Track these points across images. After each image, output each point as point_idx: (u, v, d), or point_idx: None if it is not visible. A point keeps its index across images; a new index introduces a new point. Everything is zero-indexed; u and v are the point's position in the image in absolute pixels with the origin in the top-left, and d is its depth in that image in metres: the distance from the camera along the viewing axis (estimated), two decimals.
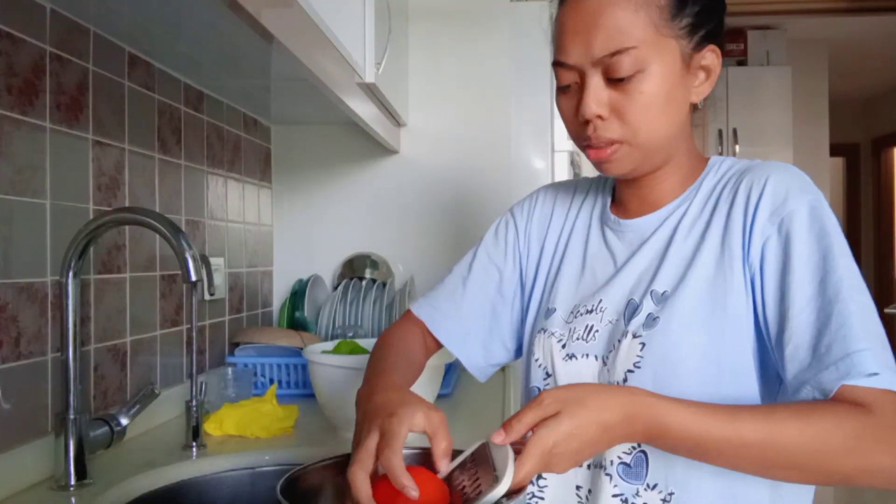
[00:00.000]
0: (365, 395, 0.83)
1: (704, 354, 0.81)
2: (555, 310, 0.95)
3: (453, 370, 1.75)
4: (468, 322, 1.04)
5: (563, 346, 0.91)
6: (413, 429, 0.72)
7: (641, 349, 0.83)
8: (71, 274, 1.05)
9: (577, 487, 0.89)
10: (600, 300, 0.90)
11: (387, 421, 0.72)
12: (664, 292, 0.85)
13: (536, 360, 0.94)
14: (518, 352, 1.06)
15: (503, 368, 1.99)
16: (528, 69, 2.07)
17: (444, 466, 0.72)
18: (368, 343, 1.47)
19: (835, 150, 5.63)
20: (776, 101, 4.45)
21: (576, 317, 0.92)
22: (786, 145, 4.47)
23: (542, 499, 0.91)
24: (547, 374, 0.93)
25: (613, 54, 0.80)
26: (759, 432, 0.71)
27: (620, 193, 0.97)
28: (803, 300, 0.77)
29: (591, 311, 0.90)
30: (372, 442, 0.72)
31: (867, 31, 4.80)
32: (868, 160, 6.79)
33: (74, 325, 1.05)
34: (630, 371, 0.83)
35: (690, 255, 0.86)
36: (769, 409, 0.75)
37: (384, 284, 1.94)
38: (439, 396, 1.42)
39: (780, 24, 4.54)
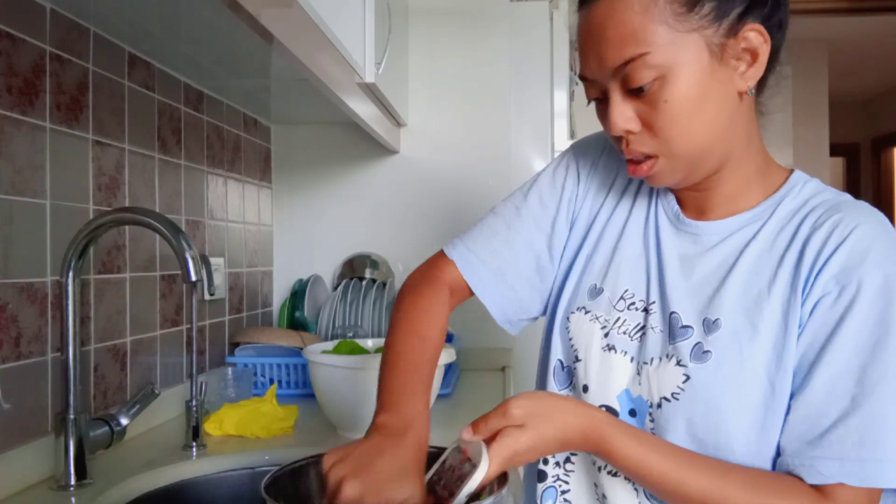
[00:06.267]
0: (382, 425, 0.78)
1: (753, 410, 0.75)
2: (602, 290, 0.88)
3: (453, 370, 1.75)
4: (507, 273, 0.94)
5: (606, 335, 0.85)
6: None
7: (684, 381, 0.78)
8: (71, 274, 1.05)
9: (603, 496, 0.86)
10: (653, 301, 0.84)
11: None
12: (717, 320, 0.78)
13: (571, 340, 0.88)
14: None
15: (503, 368, 1.99)
16: (528, 69, 2.07)
17: None
18: (368, 343, 1.47)
19: (835, 150, 5.63)
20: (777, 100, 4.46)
21: (627, 308, 0.85)
22: (786, 145, 4.47)
23: (566, 482, 0.90)
24: (577, 357, 0.87)
25: (626, 64, 0.74)
26: (702, 488, 0.73)
27: (677, 191, 0.88)
28: (835, 374, 0.72)
29: (646, 311, 0.84)
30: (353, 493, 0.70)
31: (867, 31, 4.81)
32: (868, 160, 6.80)
33: (74, 325, 1.05)
34: (666, 399, 0.79)
35: (756, 293, 0.78)
36: (726, 469, 0.74)
37: (384, 284, 1.94)
38: (439, 396, 1.42)
39: None
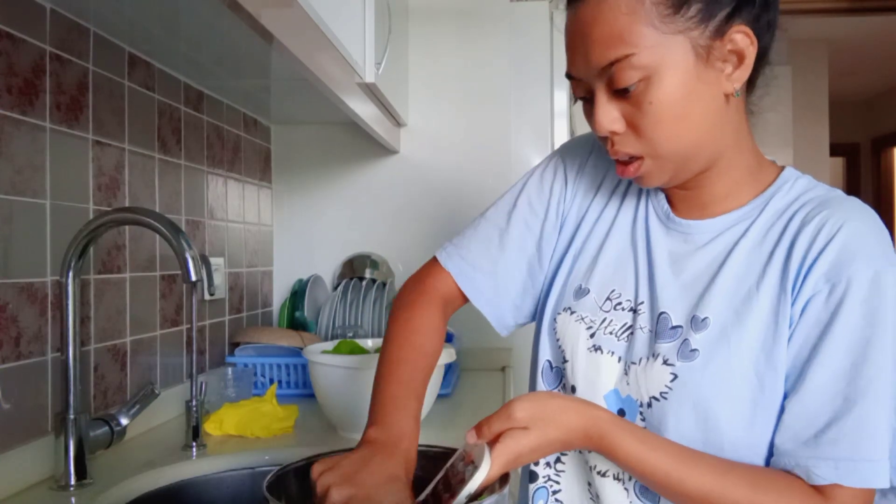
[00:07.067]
0: (371, 440, 0.80)
1: (742, 407, 0.76)
2: (588, 291, 0.87)
3: (453, 370, 1.75)
4: (502, 280, 0.94)
5: (592, 336, 0.85)
6: None
7: (672, 380, 0.78)
8: (71, 274, 1.05)
9: (597, 496, 0.86)
10: (642, 301, 0.84)
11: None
12: (705, 319, 0.78)
13: (558, 341, 0.88)
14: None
15: (503, 368, 1.99)
16: (528, 69, 2.07)
17: None
18: (368, 343, 1.47)
19: (835, 150, 5.63)
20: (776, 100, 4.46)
21: (614, 308, 0.85)
22: (786, 145, 4.47)
23: (557, 482, 0.90)
24: (564, 358, 0.87)
25: (612, 64, 0.74)
26: (703, 486, 0.73)
27: (667, 190, 0.88)
28: (828, 375, 0.72)
29: (634, 311, 0.84)
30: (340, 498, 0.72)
31: (867, 31, 4.81)
32: (868, 160, 6.80)
33: (74, 325, 1.05)
34: (655, 399, 0.79)
35: (746, 290, 0.78)
36: (728, 467, 0.74)
37: (384, 284, 1.94)
38: (439, 396, 1.42)
39: (780, 23, 4.54)
